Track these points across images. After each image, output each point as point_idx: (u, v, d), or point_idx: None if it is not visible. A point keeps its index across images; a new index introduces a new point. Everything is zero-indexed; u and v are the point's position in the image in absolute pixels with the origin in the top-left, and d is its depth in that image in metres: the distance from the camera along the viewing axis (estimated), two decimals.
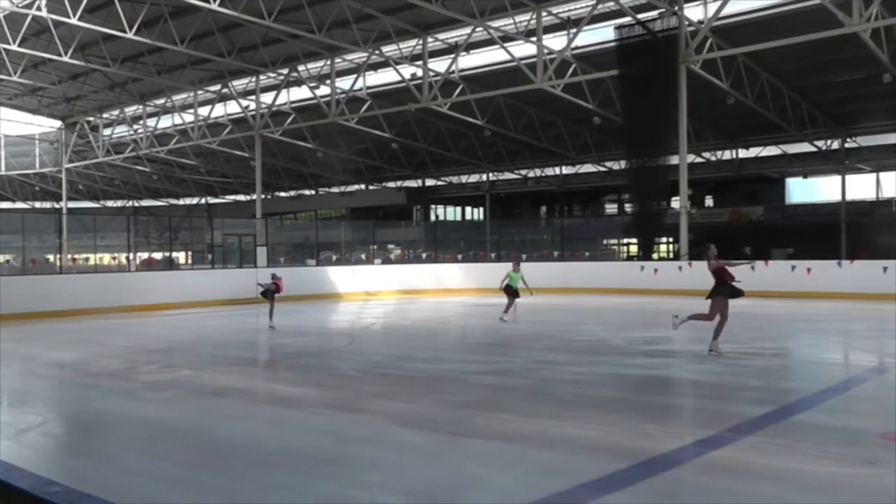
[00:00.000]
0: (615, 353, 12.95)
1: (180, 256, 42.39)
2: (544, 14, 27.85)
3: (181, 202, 72.55)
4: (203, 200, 71.55)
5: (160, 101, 43.21)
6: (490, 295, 28.00)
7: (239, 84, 39.41)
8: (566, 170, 51.99)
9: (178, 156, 52.11)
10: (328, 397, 9.11)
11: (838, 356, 12.86)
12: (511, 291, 19.03)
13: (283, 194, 66.34)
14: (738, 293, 11.71)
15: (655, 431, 7.21)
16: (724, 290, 11.66)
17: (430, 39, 30.90)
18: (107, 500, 2.68)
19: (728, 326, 11.92)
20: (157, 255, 37.59)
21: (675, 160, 27.80)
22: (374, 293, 28.69)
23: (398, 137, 42.66)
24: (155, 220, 45.71)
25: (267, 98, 39.36)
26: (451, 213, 63.37)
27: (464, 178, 56.53)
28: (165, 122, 46.76)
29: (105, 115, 48.55)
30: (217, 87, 39.06)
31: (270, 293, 17.64)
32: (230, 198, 69.80)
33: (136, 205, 71.79)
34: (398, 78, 33.83)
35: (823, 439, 6.90)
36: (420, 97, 32.34)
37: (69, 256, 35.74)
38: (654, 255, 37.42)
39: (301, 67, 35.37)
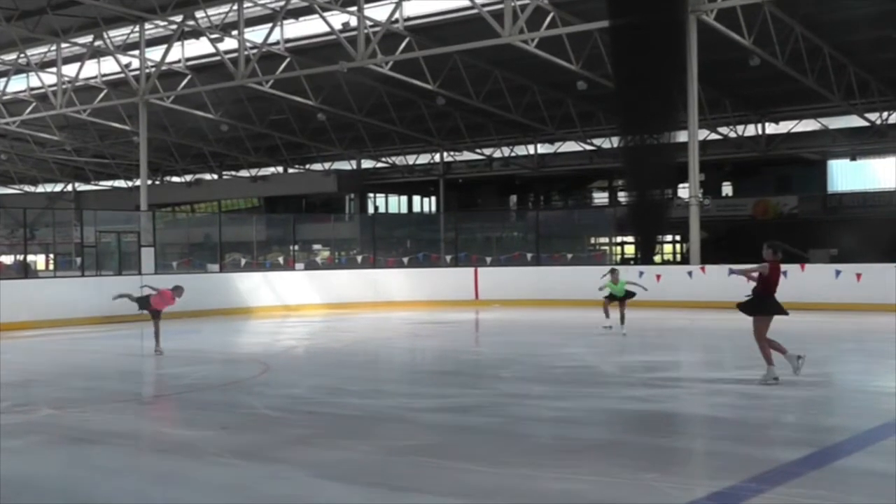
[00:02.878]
0: (607, 382, 13.00)
1: (38, 261, 41.80)
2: None
3: (40, 189, 71.42)
4: (70, 187, 70.54)
5: (10, 58, 42.47)
6: (445, 309, 27.99)
7: (118, 36, 38.90)
8: (542, 149, 52.21)
9: (36, 129, 51.25)
10: (235, 443, 9.00)
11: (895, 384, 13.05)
12: (617, 300, 19.44)
13: (176, 180, 65.64)
14: (782, 311, 11.99)
15: (659, 482, 7.21)
16: (772, 306, 11.91)
17: None
18: None
19: (756, 348, 12.06)
20: (7, 259, 37.02)
21: (683, 137, 28.06)
22: (296, 307, 28.49)
23: (326, 106, 42.48)
24: (4, 214, 44.97)
25: (155, 54, 38.92)
26: (395, 203, 63.28)
27: (411, 159, 56.53)
28: (18, 85, 46.01)
29: None
30: (88, 39, 38.50)
31: (150, 307, 17.17)
32: (106, 184, 68.89)
33: None
34: (326, 28, 33.68)
35: (876, 490, 6.97)
36: (354, 54, 32.20)
37: None
38: (657, 258, 37.79)
39: (199, 14, 35.04)
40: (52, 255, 40.12)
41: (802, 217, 44.96)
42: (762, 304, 11.91)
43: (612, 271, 20.05)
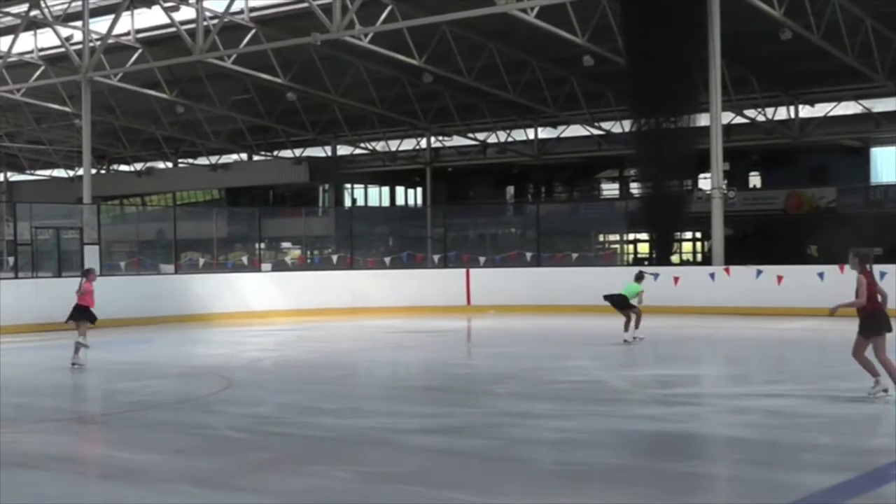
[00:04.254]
0: (617, 399, 13.03)
1: None
2: None
3: None
4: (1, 177, 70.38)
5: None
6: (433, 316, 27.97)
7: (57, 5, 38.83)
8: (544, 133, 52.24)
9: None
10: (192, 468, 9.02)
11: None
12: (624, 305, 19.46)
13: (124, 168, 65.54)
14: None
15: None
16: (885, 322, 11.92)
17: None
18: None
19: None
20: None
21: (704, 120, 28.10)
22: (262, 314, 28.44)
23: (296, 84, 42.45)
24: None
25: (100, 26, 38.85)
26: (375, 195, 63.26)
27: (393, 145, 56.50)
28: None
29: None
30: (23, 9, 38.44)
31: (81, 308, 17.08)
32: (43, 174, 68.78)
33: None
34: None
35: None
36: (329, 24, 32.15)
37: None
38: (675, 258, 37.84)
39: None
40: None
41: (841, 212, 44.84)
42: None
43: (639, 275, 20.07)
